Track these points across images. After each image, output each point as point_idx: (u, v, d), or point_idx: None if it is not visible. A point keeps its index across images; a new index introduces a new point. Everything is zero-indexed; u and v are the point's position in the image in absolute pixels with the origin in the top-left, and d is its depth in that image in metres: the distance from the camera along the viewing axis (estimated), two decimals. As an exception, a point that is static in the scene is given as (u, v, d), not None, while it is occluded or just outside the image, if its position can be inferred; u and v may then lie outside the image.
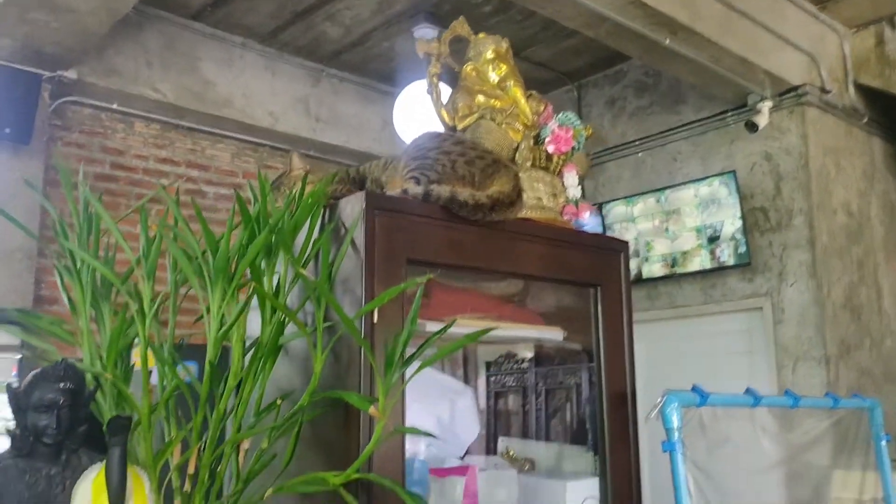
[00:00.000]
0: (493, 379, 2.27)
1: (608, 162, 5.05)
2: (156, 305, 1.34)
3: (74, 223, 1.42)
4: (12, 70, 3.68)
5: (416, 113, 3.81)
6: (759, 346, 4.29)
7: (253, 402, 1.40)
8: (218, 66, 4.61)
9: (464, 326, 1.71)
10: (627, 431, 1.78)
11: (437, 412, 1.83)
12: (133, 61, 4.28)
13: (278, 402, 1.39)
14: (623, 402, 1.81)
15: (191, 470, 1.31)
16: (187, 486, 1.31)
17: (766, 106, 4.26)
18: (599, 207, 4.74)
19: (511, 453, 1.93)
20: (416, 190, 1.53)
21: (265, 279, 1.37)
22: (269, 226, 1.31)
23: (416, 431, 1.30)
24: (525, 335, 1.78)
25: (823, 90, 4.36)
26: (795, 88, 4.24)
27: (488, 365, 2.28)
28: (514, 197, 1.58)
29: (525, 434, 2.12)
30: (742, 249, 4.27)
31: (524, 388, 2.22)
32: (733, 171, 4.33)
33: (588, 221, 1.79)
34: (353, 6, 4.26)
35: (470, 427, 1.90)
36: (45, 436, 1.17)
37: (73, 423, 1.19)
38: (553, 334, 1.83)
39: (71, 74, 3.96)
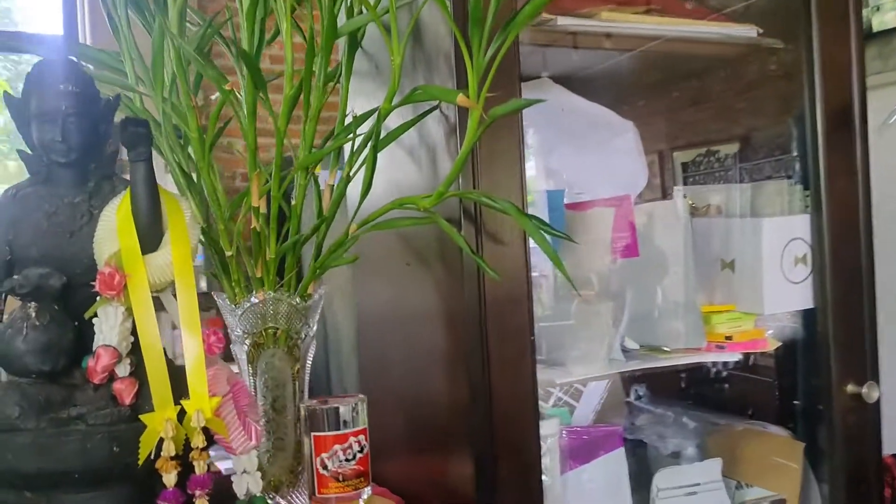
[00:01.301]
0: (691, 181, 1.92)
1: None
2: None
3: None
4: None
5: None
6: None
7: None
8: None
9: (614, 22, 1.28)
10: (854, 154, 1.29)
11: (588, 152, 1.44)
12: None
13: (356, 113, 1.08)
14: (847, 120, 1.31)
15: (254, 202, 1.05)
16: (256, 224, 1.06)
17: None
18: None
19: (690, 202, 1.51)
20: None
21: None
22: None
23: (520, 106, 0.92)
24: (702, 32, 1.30)
25: None
26: None
27: (685, 166, 1.92)
28: None
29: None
30: None
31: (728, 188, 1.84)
32: None
33: None
34: None
35: (633, 172, 1.49)
36: (55, 152, 0.93)
37: (89, 138, 0.95)
38: (743, 31, 1.34)
39: None
